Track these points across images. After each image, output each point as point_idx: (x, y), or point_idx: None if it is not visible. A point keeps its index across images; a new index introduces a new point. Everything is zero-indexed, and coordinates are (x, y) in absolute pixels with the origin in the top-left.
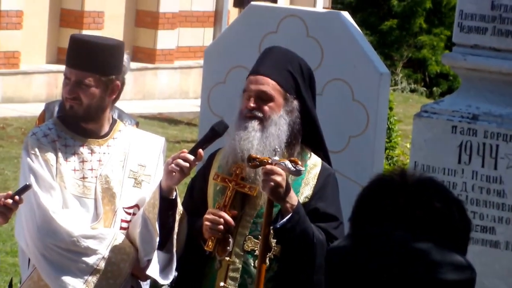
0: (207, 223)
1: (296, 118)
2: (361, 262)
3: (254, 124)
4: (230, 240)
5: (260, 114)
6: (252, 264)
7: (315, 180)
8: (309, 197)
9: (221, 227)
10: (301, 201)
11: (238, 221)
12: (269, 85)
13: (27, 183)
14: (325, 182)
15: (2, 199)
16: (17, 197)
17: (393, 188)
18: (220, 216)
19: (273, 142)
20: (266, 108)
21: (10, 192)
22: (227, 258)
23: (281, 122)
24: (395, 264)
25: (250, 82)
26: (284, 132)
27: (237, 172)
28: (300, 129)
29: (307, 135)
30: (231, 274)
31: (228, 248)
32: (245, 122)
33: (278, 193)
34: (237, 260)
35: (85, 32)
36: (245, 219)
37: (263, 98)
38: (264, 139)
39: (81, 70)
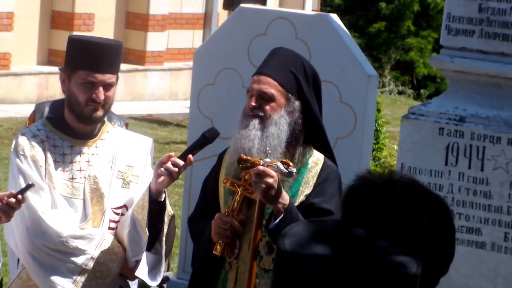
0: (215, 227)
1: (297, 119)
2: None
3: (255, 122)
4: (238, 243)
5: (261, 113)
6: (259, 266)
7: (316, 178)
8: (307, 194)
9: (228, 232)
10: (301, 199)
11: (245, 224)
12: (271, 85)
13: (30, 182)
14: (325, 178)
15: (5, 197)
16: (20, 196)
17: (380, 185)
18: (227, 222)
19: (273, 141)
20: (267, 107)
21: (14, 191)
22: (235, 261)
23: (281, 122)
24: None
25: (253, 82)
26: (284, 132)
27: (246, 177)
28: (302, 129)
29: (310, 136)
30: (240, 276)
31: (236, 251)
32: (247, 121)
33: (270, 195)
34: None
35: (75, 34)
36: (251, 221)
37: (264, 97)
38: (265, 139)
39: (108, 73)
